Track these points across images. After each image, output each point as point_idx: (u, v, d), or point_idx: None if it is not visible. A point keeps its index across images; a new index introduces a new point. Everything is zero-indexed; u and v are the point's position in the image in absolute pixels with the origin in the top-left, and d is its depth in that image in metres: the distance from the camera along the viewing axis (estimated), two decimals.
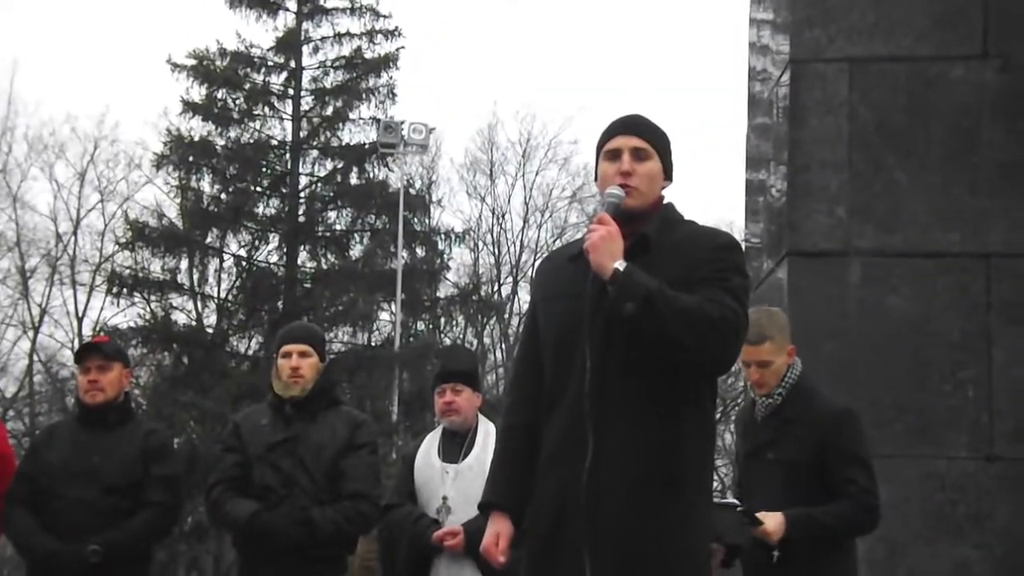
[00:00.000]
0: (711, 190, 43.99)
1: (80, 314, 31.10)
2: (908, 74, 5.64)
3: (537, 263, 33.24)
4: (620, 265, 3.15)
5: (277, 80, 25.60)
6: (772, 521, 4.06)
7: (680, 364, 3.17)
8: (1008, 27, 5.59)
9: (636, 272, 3.14)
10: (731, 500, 4.06)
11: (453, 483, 5.22)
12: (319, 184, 25.64)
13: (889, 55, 5.67)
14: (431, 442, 5.41)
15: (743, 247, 6.80)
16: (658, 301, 3.10)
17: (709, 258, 3.24)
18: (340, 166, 25.51)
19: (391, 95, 25.69)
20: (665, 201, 3.41)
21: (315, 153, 25.65)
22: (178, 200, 25.78)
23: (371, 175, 25.60)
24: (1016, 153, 5.51)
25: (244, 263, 25.25)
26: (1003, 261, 5.47)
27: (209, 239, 25.06)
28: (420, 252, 26.58)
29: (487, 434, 5.29)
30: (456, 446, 5.32)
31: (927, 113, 5.60)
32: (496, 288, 34.28)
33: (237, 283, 25.46)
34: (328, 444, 4.99)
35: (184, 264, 25.18)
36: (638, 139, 3.35)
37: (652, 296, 3.10)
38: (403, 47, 25.83)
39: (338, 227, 25.73)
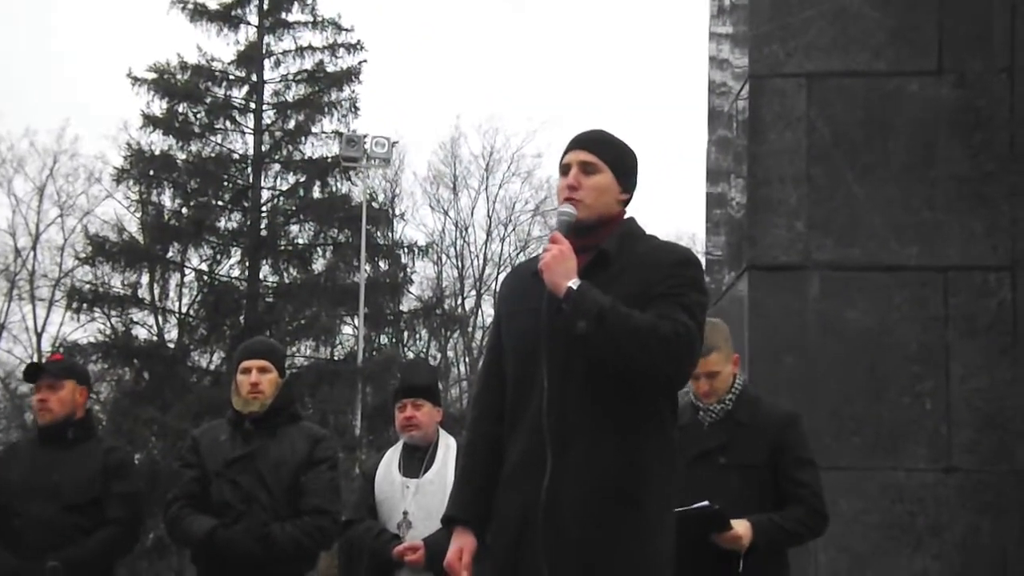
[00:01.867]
0: (674, 203, 44.23)
1: (39, 330, 30.94)
2: (865, 89, 5.69)
3: (501, 276, 33.32)
4: (573, 283, 3.17)
5: (239, 94, 25.56)
6: (741, 526, 4.08)
7: (635, 380, 3.18)
8: (962, 43, 5.65)
9: (590, 290, 3.16)
10: (703, 504, 4.04)
11: (414, 498, 5.22)
12: (281, 198, 25.59)
13: (846, 70, 5.72)
14: (391, 457, 5.40)
15: (703, 261, 6.85)
16: (610, 319, 3.12)
17: (667, 274, 3.25)
18: (302, 180, 25.47)
19: (353, 108, 25.71)
20: (626, 216, 3.43)
21: (277, 167, 25.61)
22: (139, 214, 25.68)
23: (333, 189, 25.58)
24: (972, 167, 5.57)
25: (206, 277, 25.14)
26: (960, 274, 5.52)
27: (170, 253, 24.96)
28: (383, 266, 26.58)
29: (448, 448, 5.30)
30: (417, 461, 5.32)
31: (884, 128, 5.65)
32: (459, 301, 34.32)
33: (198, 298, 25.36)
34: (288, 460, 4.97)
35: (145, 279, 25.09)
36: (586, 153, 3.37)
37: (604, 314, 3.12)
38: (365, 61, 25.89)
39: (300, 241, 25.67)
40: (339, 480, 5.18)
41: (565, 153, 3.42)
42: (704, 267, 6.61)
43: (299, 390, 21.80)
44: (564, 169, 3.38)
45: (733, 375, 4.39)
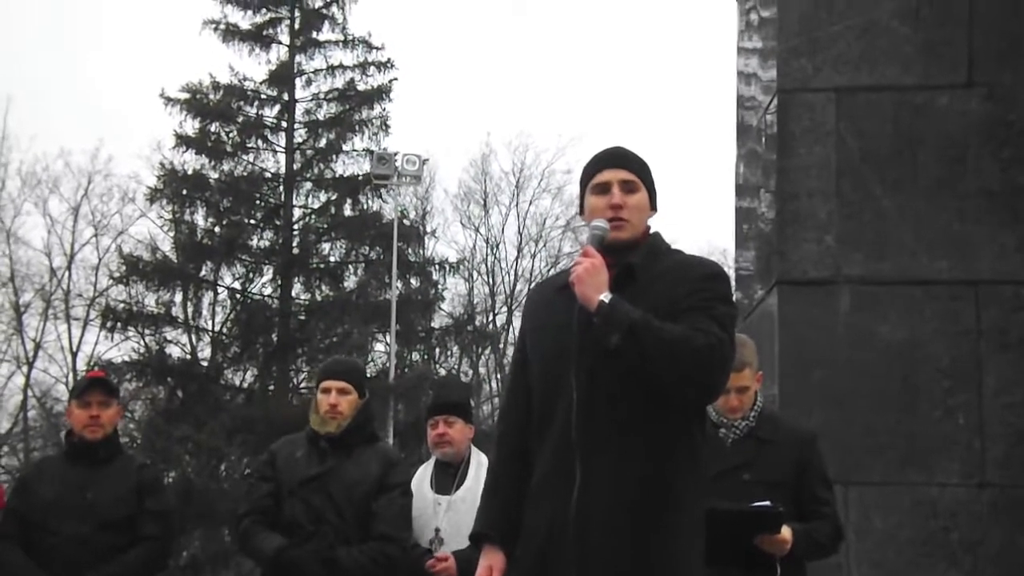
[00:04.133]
0: (704, 217, 44.15)
1: (74, 349, 31.09)
2: (894, 103, 5.68)
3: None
4: (605, 297, 3.17)
5: (270, 113, 25.71)
6: (787, 531, 4.10)
7: (667, 393, 3.18)
8: (992, 56, 5.64)
9: (621, 303, 3.17)
10: (766, 503, 4.06)
11: (445, 515, 5.23)
12: (313, 216, 25.69)
13: (875, 84, 5.71)
14: (424, 473, 5.41)
15: (733, 275, 6.84)
16: (643, 332, 3.12)
17: (695, 287, 3.26)
18: (334, 198, 25.56)
19: (384, 126, 25.80)
20: (652, 231, 3.44)
21: (308, 185, 25.71)
22: (172, 233, 25.83)
23: (365, 206, 25.65)
24: (1002, 181, 5.55)
25: (238, 296, 25.26)
26: (991, 288, 5.50)
27: (203, 272, 25.08)
28: (414, 283, 26.61)
29: (479, 466, 5.30)
30: (449, 477, 5.33)
31: (914, 142, 5.64)
32: (491, 318, 34.30)
33: (231, 316, 25.47)
34: (361, 482, 4.98)
35: (178, 297, 25.20)
36: (626, 172, 3.39)
37: (637, 327, 3.12)
38: (396, 79, 25.98)
39: (332, 259, 25.75)
40: (410, 507, 5.15)
41: (598, 171, 3.41)
42: (734, 282, 6.62)
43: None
44: (602, 188, 3.38)
45: (757, 392, 4.40)
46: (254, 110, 25.54)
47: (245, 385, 24.77)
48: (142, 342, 25.05)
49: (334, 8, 25.97)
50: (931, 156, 5.62)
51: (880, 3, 5.75)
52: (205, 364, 25.20)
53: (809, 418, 5.37)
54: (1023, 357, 5.43)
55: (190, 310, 25.74)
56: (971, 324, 5.48)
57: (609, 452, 3.18)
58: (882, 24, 5.74)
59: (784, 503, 4.18)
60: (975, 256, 5.52)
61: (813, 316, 5.61)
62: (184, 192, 24.66)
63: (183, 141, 24.82)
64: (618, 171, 3.39)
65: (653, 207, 3.44)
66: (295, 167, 25.48)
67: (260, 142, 25.54)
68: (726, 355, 3.20)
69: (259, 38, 25.72)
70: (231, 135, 25.27)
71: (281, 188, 25.53)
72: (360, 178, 25.52)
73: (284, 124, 25.61)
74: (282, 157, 25.60)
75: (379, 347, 26.78)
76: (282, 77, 25.57)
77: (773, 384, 5.55)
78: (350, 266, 25.78)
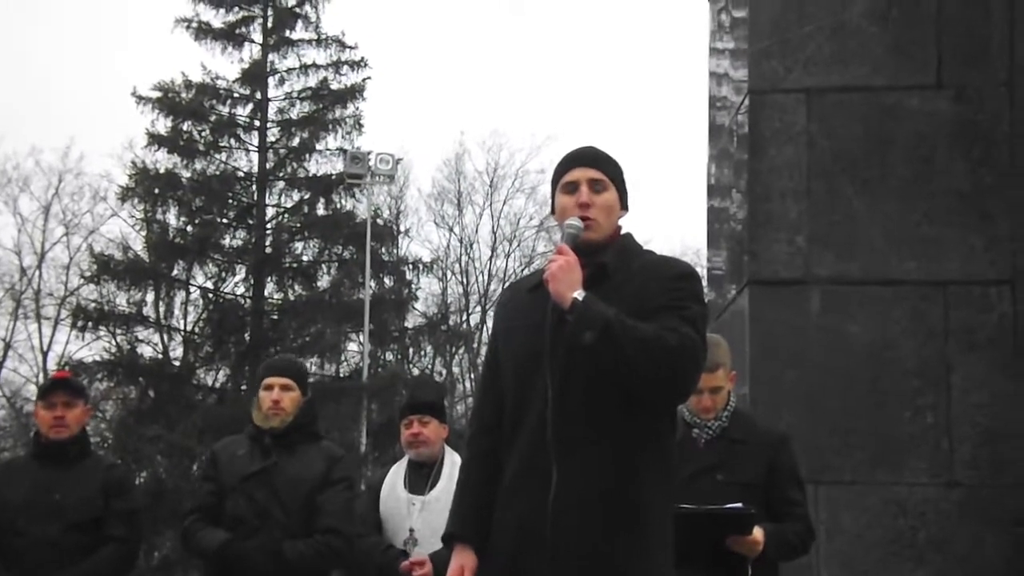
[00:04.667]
0: (677, 217, 44.26)
1: (45, 348, 30.95)
2: (865, 104, 5.71)
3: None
4: (579, 295, 3.18)
5: (243, 112, 25.58)
6: (758, 532, 4.10)
7: (639, 392, 3.18)
8: (961, 58, 5.67)
9: (595, 302, 3.17)
10: (737, 505, 4.07)
11: (419, 515, 5.22)
12: (286, 215, 25.61)
13: (845, 85, 5.74)
14: (397, 473, 5.40)
15: (705, 275, 6.86)
16: (616, 330, 3.12)
17: (667, 287, 3.26)
18: (307, 197, 25.48)
19: (358, 126, 25.73)
20: (623, 231, 3.44)
21: (281, 184, 25.62)
22: (144, 233, 25.69)
23: (338, 206, 25.58)
24: (971, 182, 5.58)
25: (211, 295, 25.14)
26: (960, 289, 5.53)
27: (175, 271, 24.96)
28: (388, 282, 26.56)
29: (453, 465, 5.29)
30: (422, 477, 5.32)
31: (884, 142, 5.67)
32: (464, 318, 34.29)
33: (204, 315, 25.36)
34: (304, 477, 4.98)
35: (150, 297, 25.06)
36: (595, 171, 3.39)
37: (610, 325, 3.12)
38: (369, 78, 25.91)
39: (305, 258, 25.67)
40: (354, 501, 5.18)
41: (568, 170, 3.42)
42: (706, 282, 6.63)
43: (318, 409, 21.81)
44: (571, 187, 3.38)
45: (729, 392, 4.41)
46: (227, 109, 25.43)
47: (217, 385, 24.67)
48: (113, 342, 24.91)
49: (307, 7, 25.89)
50: (901, 157, 5.65)
51: (850, 5, 5.77)
52: (177, 364, 25.09)
53: (779, 418, 5.39)
54: (991, 357, 5.47)
55: (162, 309, 25.61)
56: (939, 324, 5.52)
57: (582, 451, 3.18)
58: (852, 25, 5.76)
59: (757, 503, 4.19)
60: (944, 257, 5.55)
61: (784, 316, 5.63)
62: (156, 191, 24.52)
63: (155, 140, 24.70)
64: (587, 170, 3.39)
65: (624, 207, 3.44)
66: (268, 166, 25.39)
67: (233, 141, 25.44)
68: (698, 355, 3.22)
69: (232, 37, 25.61)
70: (203, 134, 25.16)
71: (254, 187, 25.43)
72: (333, 177, 25.46)
73: (257, 123, 25.51)
74: (255, 156, 25.51)
75: (352, 347, 26.75)
76: (255, 76, 25.47)
77: (744, 384, 5.57)
78: (323, 266, 25.71)
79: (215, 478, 5.06)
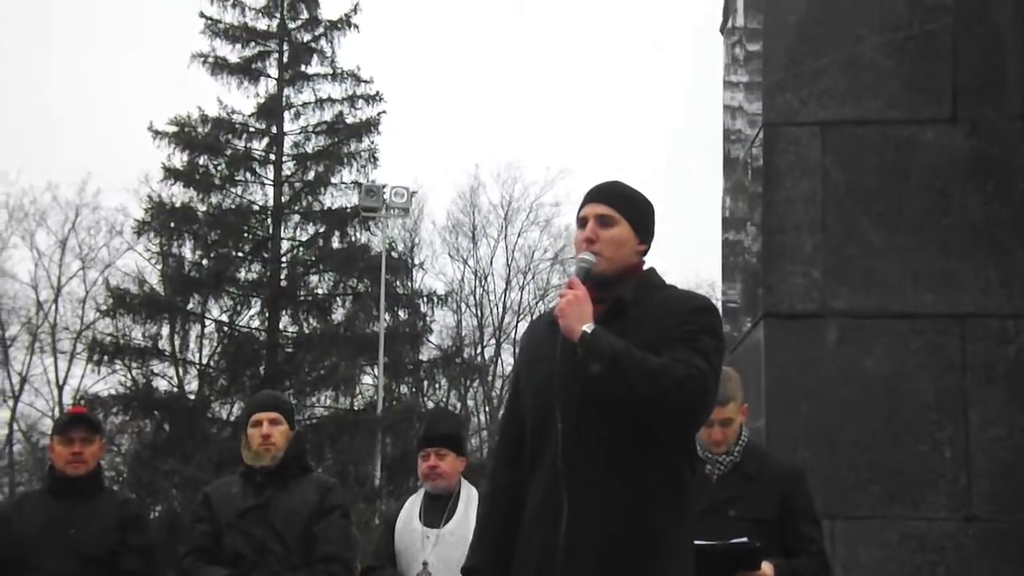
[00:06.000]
0: (692, 249, 44.26)
1: (61, 382, 31.04)
2: (879, 137, 5.71)
3: (521, 325, 33.38)
4: (588, 327, 3.19)
5: (259, 146, 25.76)
6: (768, 568, 4.07)
7: (649, 423, 3.18)
8: (975, 92, 5.67)
9: (604, 334, 3.18)
10: (743, 540, 4.03)
11: (434, 548, 5.19)
12: (301, 248, 25.72)
13: (860, 118, 5.74)
14: (412, 505, 5.38)
15: (721, 307, 6.86)
16: (624, 362, 3.13)
17: (681, 320, 3.27)
18: (322, 230, 25.60)
19: (373, 159, 25.89)
20: (646, 267, 3.45)
21: (297, 218, 25.75)
22: (159, 266, 25.82)
23: (353, 239, 25.69)
24: (986, 215, 5.57)
25: (226, 328, 25.23)
26: (976, 322, 5.51)
27: (191, 305, 25.07)
28: (402, 315, 26.61)
29: (469, 499, 5.27)
30: (438, 510, 5.29)
31: (899, 176, 5.66)
32: (479, 350, 34.30)
33: (219, 348, 25.43)
34: (299, 510, 4.97)
35: (165, 330, 25.19)
36: (604, 206, 3.41)
37: (618, 357, 3.13)
38: (384, 111, 26.09)
39: (320, 291, 25.76)
40: (351, 528, 5.17)
41: (582, 206, 3.46)
42: (721, 314, 6.62)
43: (316, 443, 21.79)
44: (582, 222, 3.42)
45: (742, 425, 4.39)
46: (242, 143, 25.61)
47: (232, 418, 24.67)
48: (129, 375, 25.00)
49: (323, 41, 26.11)
50: (916, 190, 5.64)
51: (864, 38, 5.78)
52: (192, 397, 25.15)
53: (795, 451, 5.37)
54: (1008, 391, 5.44)
55: (177, 343, 25.71)
56: (956, 358, 5.49)
57: (596, 484, 3.19)
58: (866, 59, 5.77)
59: (770, 540, 4.16)
60: (960, 290, 5.54)
61: (800, 349, 5.61)
62: (172, 225, 24.67)
63: (171, 174, 24.86)
64: (596, 206, 3.42)
65: (643, 241, 3.45)
66: (283, 200, 25.52)
67: (248, 175, 25.60)
68: (707, 386, 3.21)
69: (248, 71, 25.81)
70: (219, 168, 25.33)
71: (269, 221, 25.55)
72: (348, 210, 25.57)
73: (272, 157, 25.67)
74: (270, 190, 25.66)
75: (367, 380, 26.79)
76: (270, 110, 25.64)
77: (760, 417, 5.54)
78: (338, 299, 25.79)
79: (209, 518, 5.03)
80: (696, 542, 3.40)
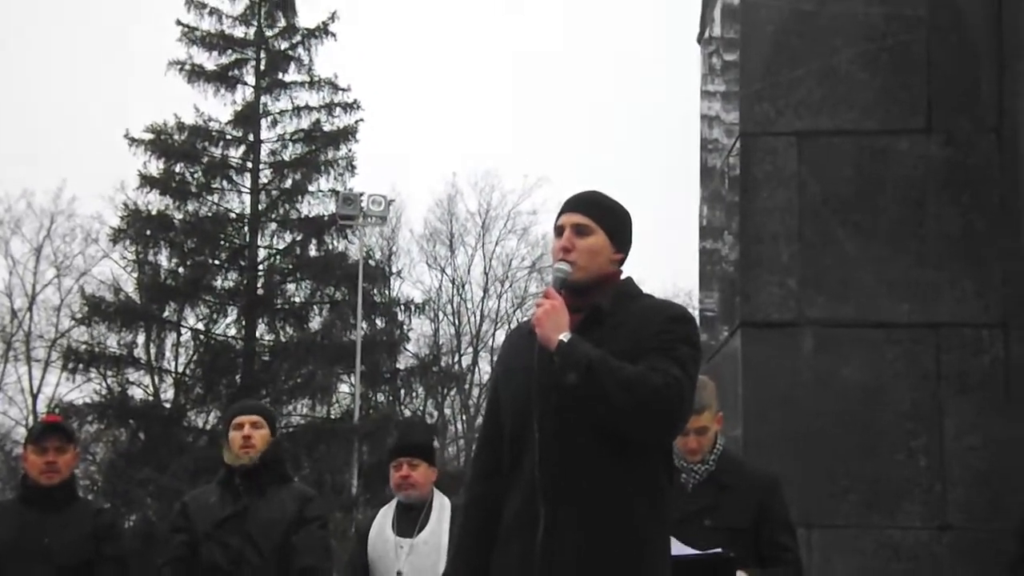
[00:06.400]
0: (669, 258, 44.35)
1: (35, 391, 30.83)
2: (855, 147, 5.74)
3: (499, 333, 33.38)
4: (565, 336, 3.20)
5: (235, 153, 25.71)
6: None
7: (625, 432, 3.19)
8: (951, 103, 5.71)
9: (580, 343, 3.19)
10: (717, 550, 4.03)
11: (407, 558, 5.19)
12: (278, 256, 25.66)
13: (836, 129, 5.77)
14: (385, 515, 5.37)
15: (698, 316, 6.87)
16: (600, 370, 3.13)
17: (659, 329, 3.27)
18: (299, 238, 25.55)
19: (350, 167, 25.84)
20: (623, 276, 3.46)
21: (274, 226, 25.69)
22: (135, 274, 25.74)
23: (330, 247, 25.65)
24: (961, 225, 5.61)
25: (202, 337, 25.14)
26: (952, 331, 5.54)
27: (167, 313, 24.97)
28: (380, 323, 26.58)
29: (442, 508, 5.27)
30: (411, 520, 5.29)
31: (875, 186, 5.70)
32: (456, 359, 34.26)
33: (195, 357, 25.33)
34: (277, 520, 4.95)
35: (141, 338, 25.08)
36: (580, 215, 3.41)
37: (594, 366, 3.14)
38: (362, 119, 26.07)
39: (297, 299, 25.71)
40: (329, 539, 5.15)
41: (559, 215, 3.46)
42: (699, 323, 6.63)
43: (293, 451, 21.73)
44: (558, 231, 3.43)
45: (717, 433, 4.39)
46: (219, 151, 25.55)
47: (208, 427, 24.58)
48: (104, 384, 24.88)
49: (300, 49, 26.07)
50: (891, 200, 5.68)
51: (840, 49, 5.82)
52: (168, 406, 25.04)
53: (771, 460, 5.37)
54: (983, 400, 5.47)
55: (153, 351, 25.61)
56: (932, 367, 5.52)
57: (573, 493, 3.18)
58: (842, 70, 5.81)
59: (746, 549, 4.16)
60: (936, 299, 5.57)
61: (776, 358, 5.64)
62: (148, 233, 24.59)
63: (147, 181, 24.77)
64: (572, 215, 3.42)
65: (619, 250, 3.45)
66: (260, 208, 25.45)
67: (225, 183, 25.53)
68: (683, 395, 3.21)
69: (224, 79, 25.75)
70: (196, 176, 25.25)
71: (246, 229, 25.48)
72: (325, 219, 25.52)
73: (249, 165, 25.61)
74: (247, 198, 25.59)
75: (344, 388, 26.72)
76: (247, 118, 25.59)
77: (737, 426, 5.56)
78: (315, 307, 25.74)
79: (186, 528, 5.02)
80: (672, 554, 3.40)
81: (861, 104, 5.77)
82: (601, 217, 3.42)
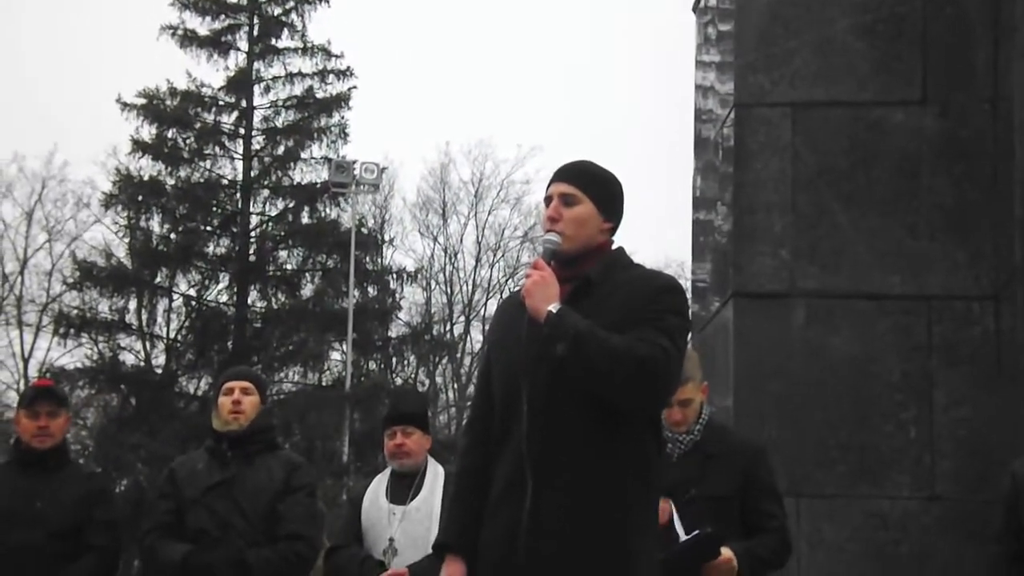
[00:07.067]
0: (662, 229, 44.35)
1: (26, 355, 30.79)
2: (850, 119, 5.74)
3: (491, 302, 33.42)
4: (554, 307, 3.20)
5: (228, 120, 25.58)
6: (728, 553, 4.08)
7: (612, 402, 3.19)
8: (946, 74, 5.70)
9: (569, 314, 3.19)
10: (695, 532, 4.04)
11: (400, 525, 5.20)
12: (270, 223, 25.59)
13: (831, 100, 5.77)
14: (379, 483, 5.39)
15: (690, 287, 6.88)
16: (588, 341, 3.14)
17: (648, 300, 3.28)
18: (291, 205, 25.48)
19: (343, 135, 25.75)
20: (614, 246, 3.45)
21: (266, 192, 25.61)
22: (127, 240, 25.63)
23: (322, 214, 25.59)
24: (955, 197, 5.61)
25: (194, 303, 25.10)
26: (943, 303, 5.56)
27: (158, 279, 24.91)
28: (372, 291, 26.54)
29: (436, 476, 5.29)
30: (404, 488, 5.30)
31: (869, 157, 5.70)
32: (448, 327, 34.29)
33: (186, 323, 25.30)
34: (265, 487, 4.96)
35: (133, 304, 25.02)
36: (567, 185, 3.41)
37: (581, 336, 3.14)
38: (355, 87, 25.94)
39: (289, 267, 25.65)
40: (316, 507, 5.17)
41: (548, 185, 3.46)
42: (691, 294, 6.65)
43: (284, 418, 21.77)
44: (547, 201, 3.43)
45: (702, 404, 4.40)
46: (211, 116, 25.43)
47: (199, 393, 24.56)
48: (95, 349, 24.83)
49: (293, 15, 25.91)
50: (885, 172, 5.68)
51: (836, 20, 5.80)
52: (159, 371, 25.02)
53: (762, 429, 5.41)
54: (974, 372, 5.49)
55: (144, 317, 25.55)
56: (923, 339, 5.54)
57: (560, 463, 3.19)
58: (837, 41, 5.79)
59: (731, 517, 4.17)
60: (927, 271, 5.58)
61: (768, 329, 5.65)
62: (140, 198, 24.49)
63: (139, 147, 24.66)
64: (560, 184, 3.41)
65: (608, 220, 3.44)
66: (252, 174, 25.37)
67: (217, 149, 25.42)
68: (670, 366, 3.22)
69: (217, 44, 25.61)
70: (188, 141, 25.14)
71: (238, 195, 25.40)
72: (318, 186, 25.45)
73: (242, 131, 25.50)
74: (239, 164, 25.49)
75: (335, 356, 26.71)
76: (240, 84, 25.46)
77: (728, 396, 5.58)
78: (307, 274, 25.69)
79: (173, 495, 5.02)
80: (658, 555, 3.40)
81: (856, 75, 5.76)
82: (589, 186, 3.42)
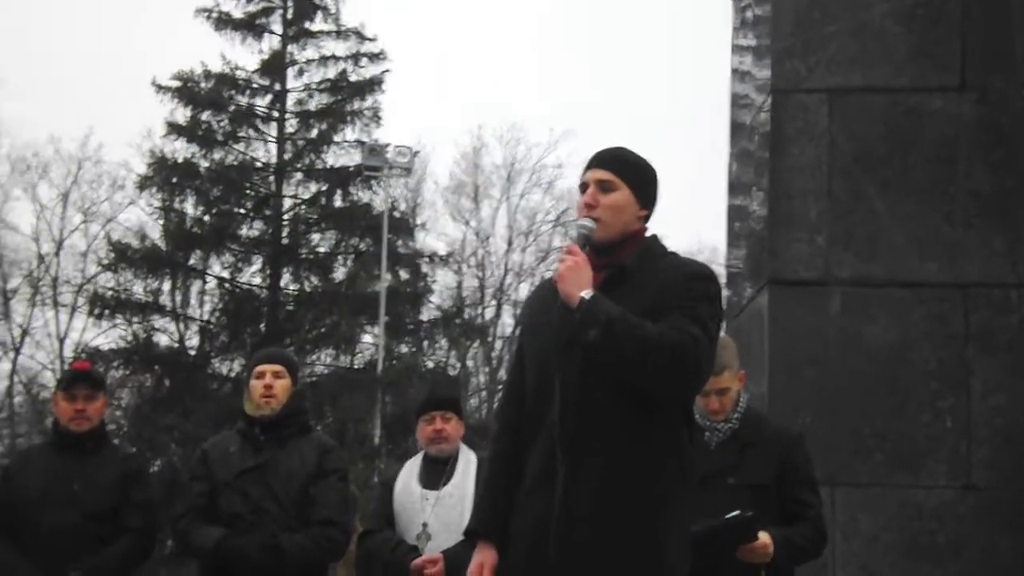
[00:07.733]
0: (696, 214, 44.19)
1: (61, 335, 31.09)
2: (887, 105, 5.69)
3: (522, 286, 33.46)
4: (586, 294, 3.20)
5: (262, 102, 25.65)
6: (765, 537, 4.08)
7: (644, 389, 3.19)
8: (985, 60, 5.64)
9: (601, 300, 3.19)
10: (735, 513, 4.04)
11: (433, 510, 5.22)
12: (303, 206, 25.66)
13: (868, 86, 5.72)
14: (411, 468, 5.40)
15: (724, 273, 6.85)
16: (619, 328, 3.14)
17: (681, 287, 3.28)
18: (324, 189, 25.53)
19: (376, 118, 25.74)
20: (648, 234, 3.44)
21: (299, 175, 25.67)
22: (161, 221, 25.78)
23: (355, 198, 25.62)
24: (992, 184, 5.56)
25: (227, 285, 25.21)
26: (980, 291, 5.51)
27: (192, 261, 25.05)
28: (404, 275, 26.59)
29: (468, 462, 5.30)
30: (437, 473, 5.32)
31: (906, 143, 5.65)
32: (480, 311, 34.34)
33: (220, 305, 25.42)
34: (298, 471, 4.98)
35: (167, 286, 25.17)
36: (604, 171, 3.40)
37: (613, 323, 3.14)
38: (388, 70, 25.93)
39: (321, 249, 25.72)
40: (348, 491, 5.19)
41: (584, 171, 3.45)
42: (725, 280, 6.62)
43: (316, 400, 21.85)
44: (583, 187, 3.42)
45: (739, 392, 4.39)
46: (245, 99, 25.49)
47: (232, 375, 24.69)
48: (129, 330, 24.97)
49: None
50: (922, 158, 5.63)
51: (874, 5, 5.75)
52: (193, 353, 25.16)
53: (797, 418, 5.38)
54: (1010, 360, 5.44)
55: (178, 298, 25.73)
56: (959, 327, 5.49)
57: (593, 451, 3.19)
58: (875, 26, 5.74)
59: (769, 506, 4.16)
60: (964, 259, 5.53)
61: (803, 316, 5.61)
62: (174, 180, 24.60)
63: (174, 129, 24.76)
64: (597, 171, 3.41)
65: (644, 207, 3.43)
66: (286, 157, 25.44)
67: (251, 131, 25.50)
68: (701, 353, 3.21)
69: (252, 27, 25.66)
70: (222, 124, 25.21)
71: (272, 178, 25.48)
72: (351, 169, 25.48)
73: (275, 114, 25.57)
74: (273, 147, 25.57)
75: (367, 339, 26.77)
76: (274, 67, 25.51)
77: (763, 382, 5.55)
78: (339, 257, 25.75)
79: (206, 477, 5.04)
80: (693, 528, 3.40)
81: (894, 61, 5.71)
82: (625, 173, 3.41)
